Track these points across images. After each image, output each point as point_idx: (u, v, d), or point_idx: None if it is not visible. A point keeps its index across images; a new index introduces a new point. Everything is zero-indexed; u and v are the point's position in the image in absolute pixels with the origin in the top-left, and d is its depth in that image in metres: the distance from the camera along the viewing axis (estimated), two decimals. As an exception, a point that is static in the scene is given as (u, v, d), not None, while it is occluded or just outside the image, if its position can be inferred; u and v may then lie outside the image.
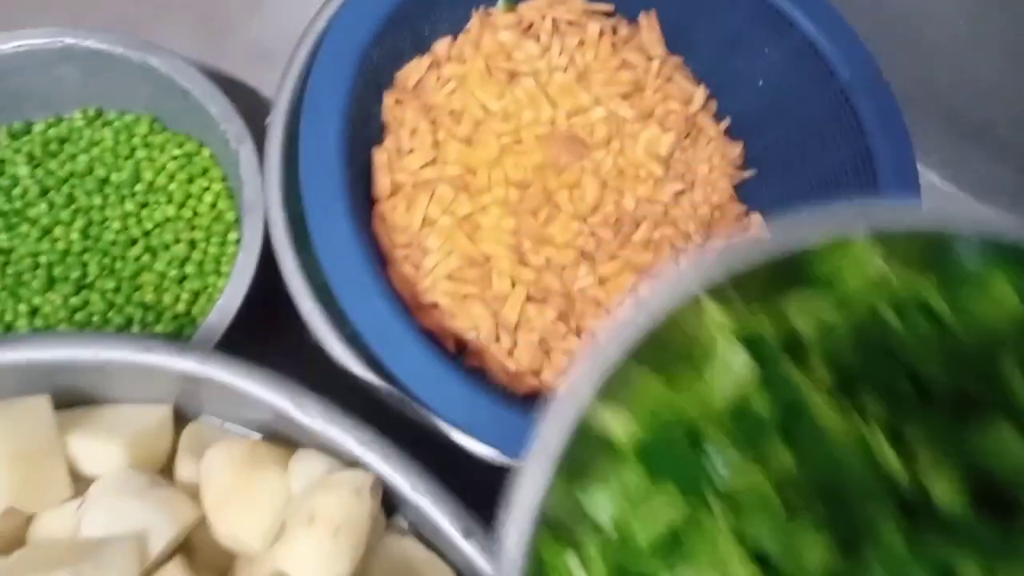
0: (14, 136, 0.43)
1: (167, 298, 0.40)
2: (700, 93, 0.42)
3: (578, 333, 0.38)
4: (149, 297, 0.40)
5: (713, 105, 0.43)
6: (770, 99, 0.42)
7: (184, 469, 0.32)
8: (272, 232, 0.36)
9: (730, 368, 0.25)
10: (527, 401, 0.37)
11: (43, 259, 0.40)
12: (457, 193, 0.37)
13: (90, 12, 0.51)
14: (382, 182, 0.37)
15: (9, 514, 0.29)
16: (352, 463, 0.30)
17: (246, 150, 0.39)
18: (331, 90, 0.35)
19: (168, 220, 0.41)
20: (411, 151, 0.37)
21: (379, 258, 0.36)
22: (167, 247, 0.41)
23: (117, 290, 0.40)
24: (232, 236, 0.41)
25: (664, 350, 0.25)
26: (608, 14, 0.42)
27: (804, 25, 0.40)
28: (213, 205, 0.42)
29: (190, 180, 0.42)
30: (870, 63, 0.40)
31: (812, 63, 0.40)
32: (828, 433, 0.24)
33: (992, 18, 0.45)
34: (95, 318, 0.40)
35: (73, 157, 0.43)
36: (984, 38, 0.46)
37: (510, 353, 0.37)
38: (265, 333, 0.38)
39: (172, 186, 0.42)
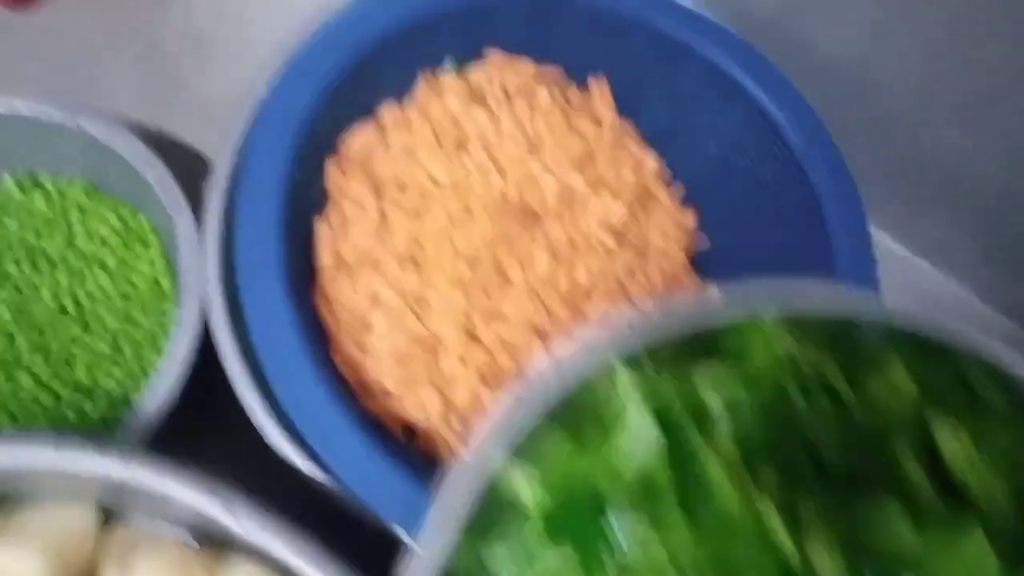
0: (-62, 202, 0.41)
1: (101, 377, 0.38)
2: (652, 160, 0.42)
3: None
4: (82, 376, 0.38)
5: (665, 172, 0.43)
6: (722, 166, 0.42)
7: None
8: (209, 310, 0.35)
9: (638, 437, 0.25)
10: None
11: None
12: (404, 269, 0.36)
13: (32, 63, 0.49)
14: (324, 256, 0.36)
15: None
16: (285, 571, 0.28)
17: (184, 221, 0.37)
18: (270, 157, 0.34)
19: (104, 292, 0.40)
20: (355, 224, 0.36)
21: (321, 338, 0.35)
22: (102, 322, 0.39)
23: (47, 368, 0.38)
24: (171, 312, 0.39)
25: (575, 412, 0.26)
26: (558, 78, 0.42)
27: (753, 91, 0.39)
28: (152, 278, 0.40)
29: (127, 249, 0.41)
30: (820, 130, 0.40)
31: (762, 129, 0.40)
32: (726, 508, 0.24)
33: (943, 80, 0.45)
34: (23, 397, 0.37)
35: (1, 223, 0.41)
36: (936, 100, 0.46)
37: (463, 439, 0.36)
38: (204, 418, 0.36)
39: (108, 256, 0.40)
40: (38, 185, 0.42)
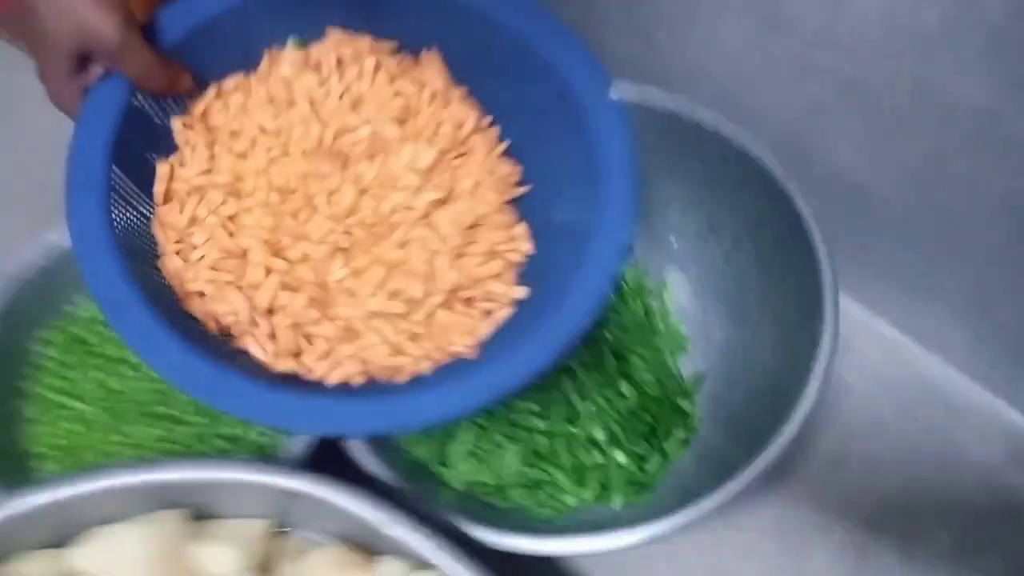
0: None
1: (249, 431, 0.50)
2: (472, 117, 0.47)
3: (332, 319, 0.42)
4: (231, 430, 0.50)
5: (493, 131, 0.48)
6: (539, 124, 0.46)
7: (283, 572, 0.41)
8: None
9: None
10: (288, 379, 0.41)
11: (144, 398, 0.51)
12: (225, 197, 0.43)
13: None
14: (159, 189, 0.43)
15: None
16: (425, 565, 0.39)
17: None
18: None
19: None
20: (188, 163, 0.43)
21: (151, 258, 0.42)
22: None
23: (205, 425, 0.50)
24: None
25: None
26: (395, 51, 0.49)
27: (547, 54, 0.45)
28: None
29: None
30: (604, 85, 0.44)
31: (558, 90, 0.45)
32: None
33: (922, 189, 0.50)
34: (180, 448, 0.49)
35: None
36: (926, 204, 0.51)
37: (270, 336, 0.42)
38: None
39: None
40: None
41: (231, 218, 0.43)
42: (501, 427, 0.51)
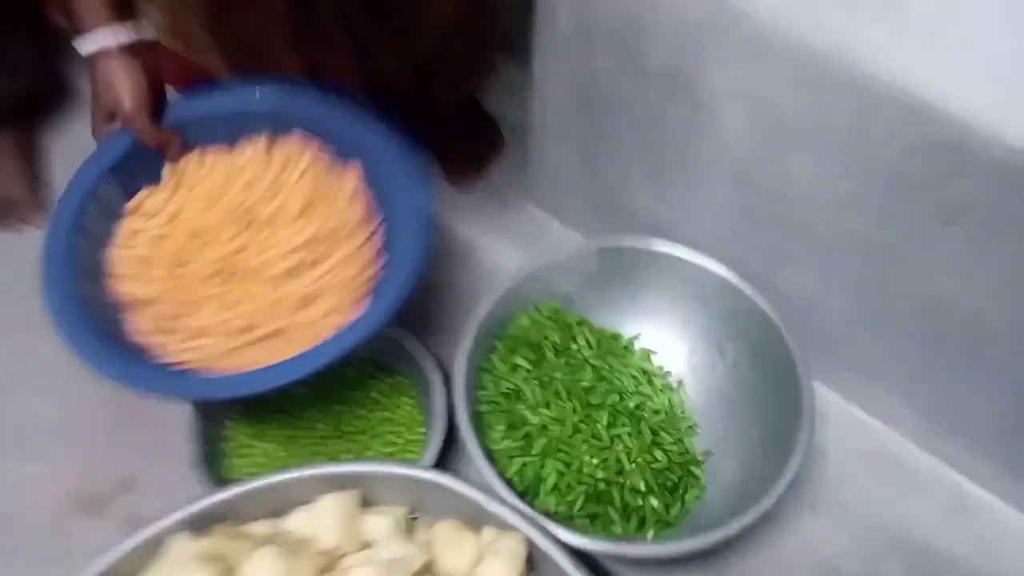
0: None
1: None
2: (358, 213, 0.71)
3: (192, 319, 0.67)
4: (384, 450, 0.76)
5: (372, 222, 0.71)
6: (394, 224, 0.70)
7: (418, 536, 0.61)
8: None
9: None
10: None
11: (313, 443, 0.76)
12: (168, 219, 0.71)
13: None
14: (130, 205, 0.72)
15: (329, 554, 0.58)
16: (512, 528, 0.58)
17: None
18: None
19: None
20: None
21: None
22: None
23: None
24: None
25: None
26: (331, 154, 0.73)
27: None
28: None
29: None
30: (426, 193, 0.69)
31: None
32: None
33: (865, 306, 0.74)
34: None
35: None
36: (867, 319, 0.75)
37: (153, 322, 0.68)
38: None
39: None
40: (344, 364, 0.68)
41: (160, 237, 0.70)
42: (575, 475, 0.71)
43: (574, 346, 0.78)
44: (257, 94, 0.74)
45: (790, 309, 0.73)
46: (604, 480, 0.71)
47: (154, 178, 0.72)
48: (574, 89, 0.77)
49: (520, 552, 0.57)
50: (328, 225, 0.70)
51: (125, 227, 0.71)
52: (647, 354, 0.81)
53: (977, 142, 0.54)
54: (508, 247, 0.92)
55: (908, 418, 0.79)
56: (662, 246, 0.77)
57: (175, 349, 0.65)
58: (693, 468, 0.74)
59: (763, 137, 0.66)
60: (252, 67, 0.75)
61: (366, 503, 0.62)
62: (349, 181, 0.72)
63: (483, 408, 0.75)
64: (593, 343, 0.79)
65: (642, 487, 0.71)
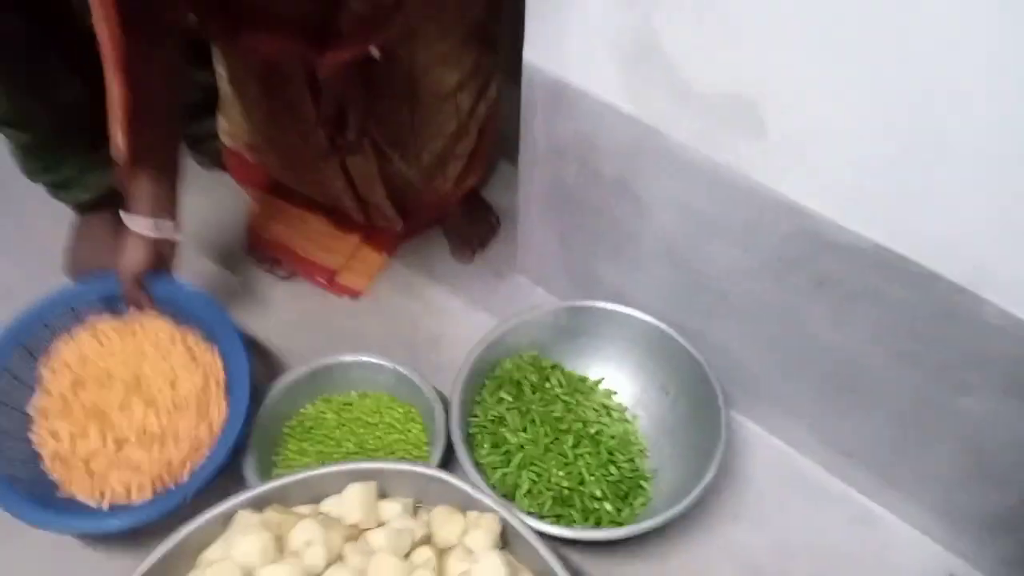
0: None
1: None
2: (200, 378, 0.93)
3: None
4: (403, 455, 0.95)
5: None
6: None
7: (420, 517, 0.81)
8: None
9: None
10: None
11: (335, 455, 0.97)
12: (78, 364, 0.95)
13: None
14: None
15: (354, 527, 0.78)
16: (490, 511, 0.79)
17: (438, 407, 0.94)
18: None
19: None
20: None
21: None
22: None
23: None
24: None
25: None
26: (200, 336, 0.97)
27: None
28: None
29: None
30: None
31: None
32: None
33: (789, 361, 0.98)
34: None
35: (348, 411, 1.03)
36: (782, 365, 0.98)
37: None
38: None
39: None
40: (366, 396, 1.00)
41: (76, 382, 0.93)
42: (545, 483, 0.91)
43: (548, 385, 1.00)
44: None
45: (722, 357, 0.94)
46: (568, 488, 0.91)
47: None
48: (550, 188, 1.00)
49: (496, 527, 0.77)
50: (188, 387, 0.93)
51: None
52: (608, 393, 1.02)
53: (831, 229, 0.76)
54: (500, 307, 1.14)
55: (816, 445, 0.99)
56: (618, 307, 0.99)
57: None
58: (642, 482, 0.94)
59: (687, 228, 0.88)
60: (295, 168, 1.00)
61: (382, 493, 0.82)
62: (213, 358, 0.95)
63: (474, 430, 0.96)
64: (564, 383, 1.00)
65: (599, 494, 0.91)
